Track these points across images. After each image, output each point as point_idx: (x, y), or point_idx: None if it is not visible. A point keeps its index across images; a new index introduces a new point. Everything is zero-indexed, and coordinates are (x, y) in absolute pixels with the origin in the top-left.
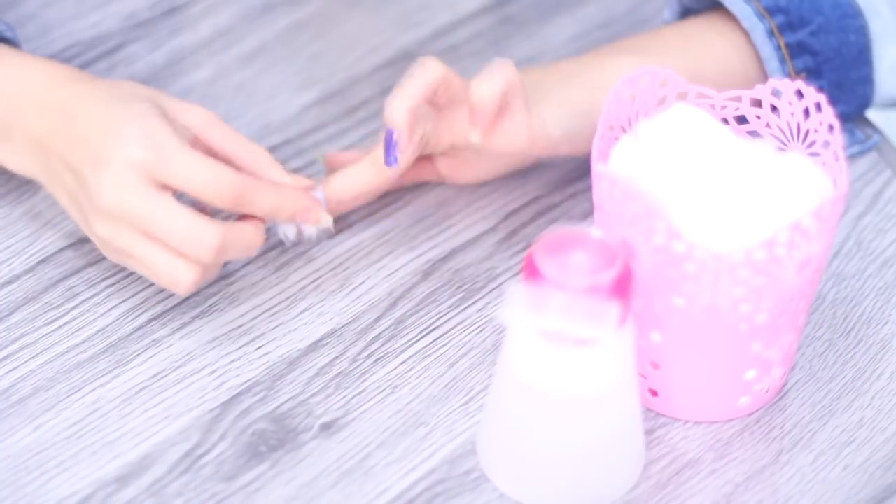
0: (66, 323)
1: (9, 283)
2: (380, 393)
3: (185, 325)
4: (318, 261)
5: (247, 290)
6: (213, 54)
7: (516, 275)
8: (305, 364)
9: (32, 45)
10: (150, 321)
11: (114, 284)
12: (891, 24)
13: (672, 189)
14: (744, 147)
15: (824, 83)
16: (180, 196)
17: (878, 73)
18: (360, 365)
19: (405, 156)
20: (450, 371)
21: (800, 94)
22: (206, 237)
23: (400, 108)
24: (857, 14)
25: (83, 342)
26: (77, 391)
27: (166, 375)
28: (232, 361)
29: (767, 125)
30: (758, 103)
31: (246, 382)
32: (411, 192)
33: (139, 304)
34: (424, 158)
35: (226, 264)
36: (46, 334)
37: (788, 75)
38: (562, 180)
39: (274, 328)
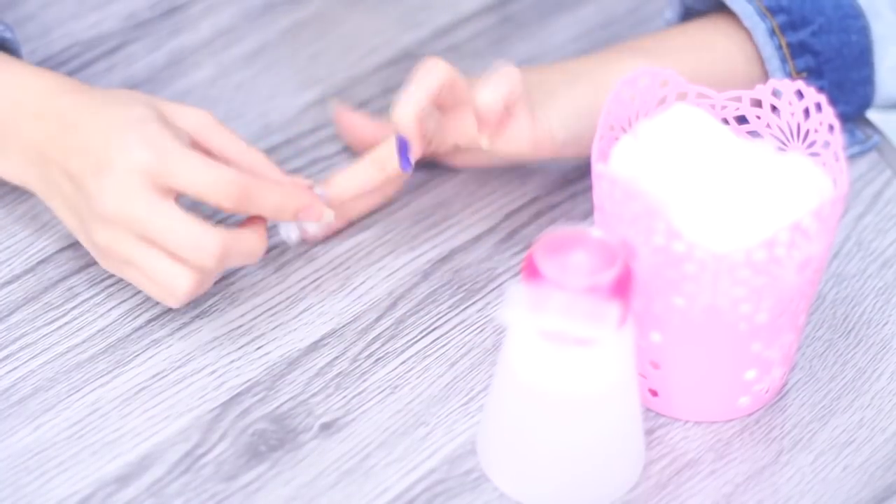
0: (66, 323)
1: (9, 283)
2: (380, 393)
3: (184, 325)
4: (318, 261)
5: (247, 290)
6: (213, 54)
7: (516, 275)
8: (305, 364)
9: (32, 45)
10: (149, 321)
11: (114, 284)
12: (892, 26)
13: (672, 189)
14: (744, 147)
15: (825, 83)
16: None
17: (879, 74)
18: (360, 365)
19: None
20: (450, 371)
21: (800, 94)
22: (208, 243)
23: (408, 114)
24: (858, 15)
25: (83, 342)
26: (77, 391)
27: (166, 375)
28: (232, 361)
29: (767, 125)
30: (758, 103)
31: (246, 382)
32: (411, 192)
33: (139, 304)
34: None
35: (220, 279)
36: (46, 334)
37: (789, 75)
38: (562, 180)
39: (274, 328)
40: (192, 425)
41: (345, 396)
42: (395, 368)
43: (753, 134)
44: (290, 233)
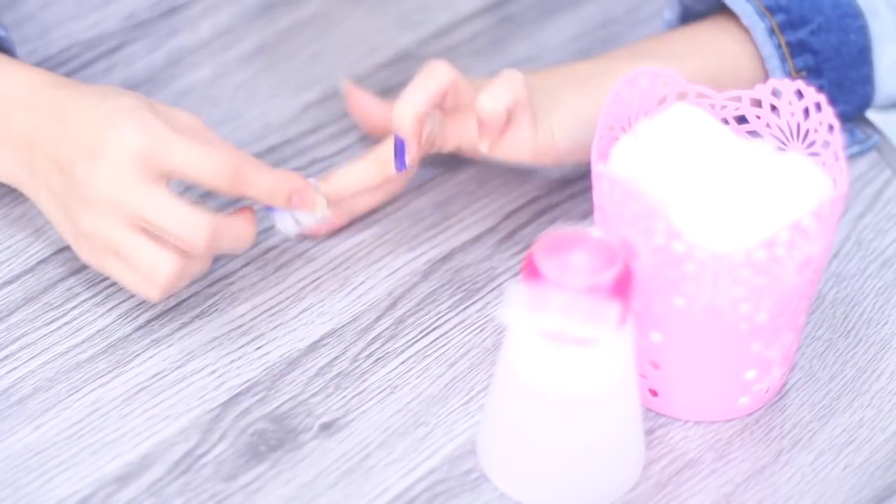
0: (66, 323)
1: (9, 283)
2: (380, 393)
3: (185, 325)
4: (318, 261)
5: (247, 290)
6: (213, 54)
7: (516, 275)
8: (305, 364)
9: (31, 45)
10: (150, 321)
11: (114, 284)
12: (890, 25)
13: (672, 189)
14: (744, 147)
15: (824, 82)
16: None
17: (878, 73)
18: (360, 365)
19: (413, 159)
20: (450, 371)
21: (799, 94)
22: (199, 223)
23: (407, 115)
24: (857, 14)
25: (83, 342)
26: (77, 391)
27: (166, 375)
28: (232, 361)
29: (767, 125)
30: (758, 103)
31: (246, 382)
32: (411, 192)
33: (139, 304)
34: None
35: (220, 278)
36: (46, 334)
37: (789, 74)
38: (561, 180)
39: (274, 328)
40: (192, 425)
41: (345, 396)
42: (395, 368)
43: (753, 134)
44: (286, 225)
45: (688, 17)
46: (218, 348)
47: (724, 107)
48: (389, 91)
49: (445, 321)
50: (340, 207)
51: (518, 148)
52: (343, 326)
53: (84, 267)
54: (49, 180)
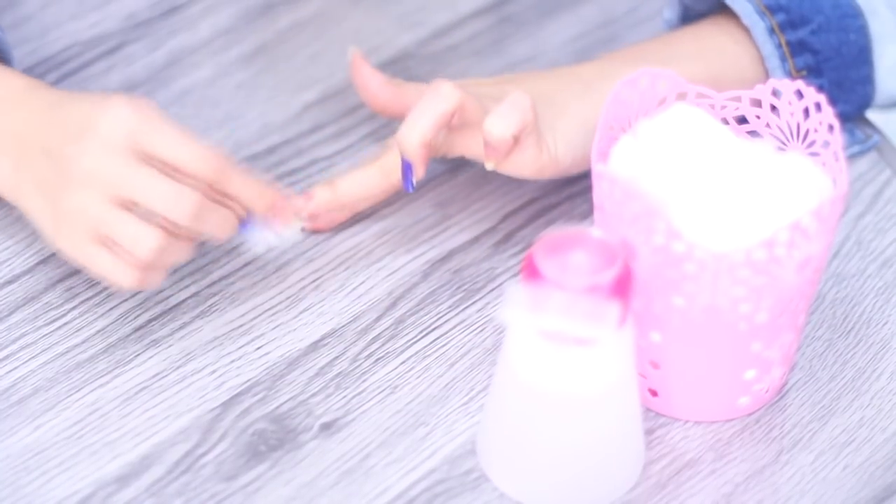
0: (65, 323)
1: (9, 283)
2: (380, 393)
3: (185, 325)
4: (317, 261)
5: (247, 290)
6: (213, 54)
7: (516, 275)
8: (305, 364)
9: (31, 45)
10: (150, 321)
11: None
12: (889, 25)
13: (672, 189)
14: (744, 147)
15: (825, 82)
16: None
17: (878, 73)
18: (360, 365)
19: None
20: (450, 371)
21: (799, 94)
22: (185, 196)
23: (414, 141)
24: (857, 14)
25: (83, 342)
26: (77, 391)
27: (166, 375)
28: (232, 361)
29: (767, 125)
30: (757, 103)
31: (246, 382)
32: (411, 193)
33: (139, 304)
34: None
35: (220, 278)
36: (46, 334)
37: (789, 73)
38: (561, 181)
39: (274, 328)
40: (192, 425)
41: (345, 396)
42: (395, 368)
43: (753, 134)
44: (261, 240)
45: (688, 16)
46: (218, 348)
47: (724, 107)
48: None
49: (445, 321)
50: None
51: (521, 166)
52: (343, 326)
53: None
54: (35, 168)
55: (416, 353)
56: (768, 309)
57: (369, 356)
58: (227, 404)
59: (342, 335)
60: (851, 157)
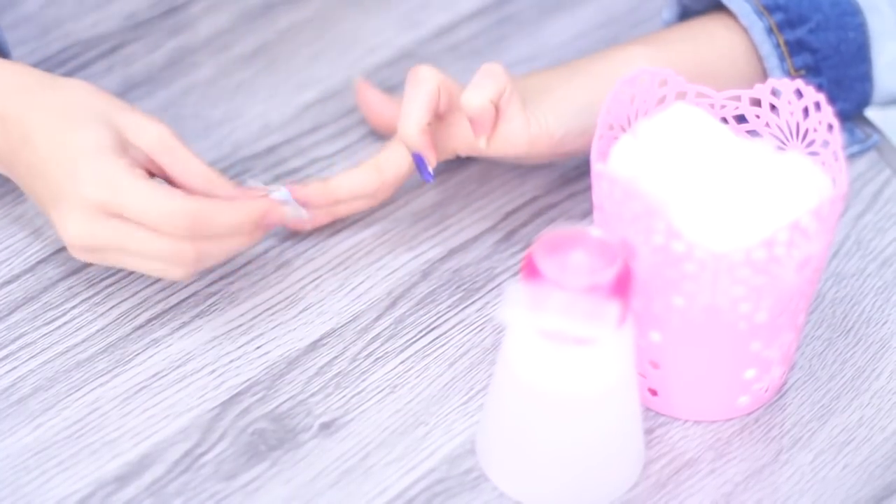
0: (65, 322)
1: (9, 282)
2: (379, 392)
3: (184, 324)
4: (317, 260)
5: (247, 289)
6: (213, 54)
7: (515, 274)
8: (305, 364)
9: (31, 45)
10: (149, 321)
11: (113, 284)
12: (889, 22)
13: (672, 189)
14: (743, 146)
15: (823, 80)
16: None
17: (877, 71)
18: (359, 364)
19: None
20: (449, 371)
21: (799, 93)
22: (184, 253)
23: (413, 131)
24: (855, 12)
25: (83, 342)
26: (77, 391)
27: (166, 375)
28: (231, 361)
29: (767, 124)
30: (757, 102)
31: (245, 382)
32: (411, 192)
33: (139, 304)
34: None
35: (219, 278)
36: (46, 334)
37: (788, 72)
38: (561, 180)
39: (274, 328)
40: (192, 425)
41: (344, 396)
42: (395, 368)
43: (753, 133)
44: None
45: (686, 17)
46: (218, 348)
47: (723, 106)
48: (390, 91)
49: (445, 321)
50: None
51: (513, 139)
52: (343, 326)
53: (84, 267)
54: (33, 189)
55: (416, 352)
56: (768, 308)
57: (369, 356)
58: (226, 404)
59: (342, 335)
60: (851, 157)
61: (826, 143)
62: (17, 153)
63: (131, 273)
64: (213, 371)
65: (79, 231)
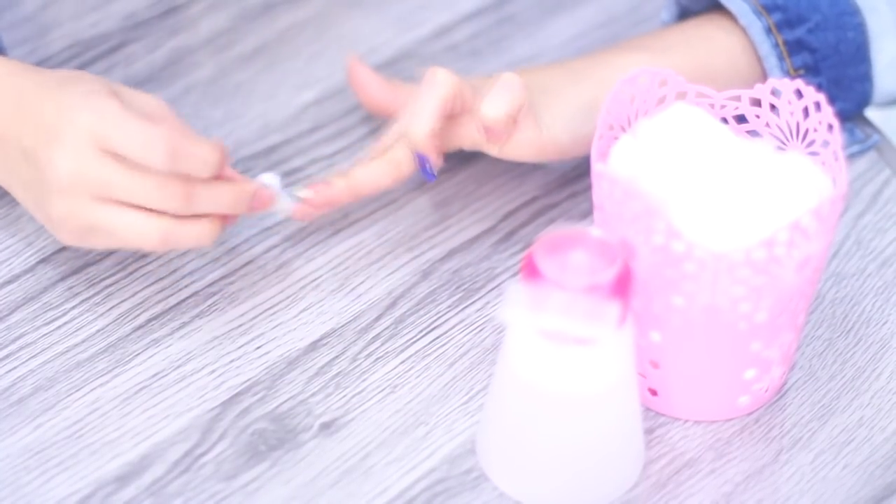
0: (65, 322)
1: (8, 282)
2: (379, 392)
3: (184, 324)
4: (317, 260)
5: (247, 289)
6: (213, 54)
7: (515, 274)
8: (305, 364)
9: (31, 45)
10: (149, 321)
11: (113, 284)
12: (888, 21)
13: (672, 188)
14: (743, 146)
15: (823, 80)
16: None
17: (876, 70)
18: (359, 364)
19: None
20: (449, 370)
21: (799, 93)
22: (171, 183)
23: (423, 134)
24: (854, 11)
25: (83, 342)
26: (77, 391)
27: (166, 375)
28: (231, 361)
29: (767, 124)
30: (757, 102)
31: (245, 382)
32: (411, 191)
33: (139, 304)
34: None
35: (220, 278)
36: (46, 334)
37: (787, 72)
38: (561, 180)
39: (274, 328)
40: (192, 425)
41: (344, 396)
42: (395, 368)
43: (753, 133)
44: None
45: (685, 18)
46: (218, 348)
47: (723, 106)
48: None
49: (445, 321)
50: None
51: (523, 147)
52: (343, 326)
53: (83, 266)
54: (20, 172)
55: (416, 352)
56: (768, 308)
57: (369, 356)
58: (226, 404)
59: (342, 335)
60: (851, 157)
61: (826, 143)
62: (11, 119)
63: (131, 273)
64: (213, 371)
65: (68, 167)
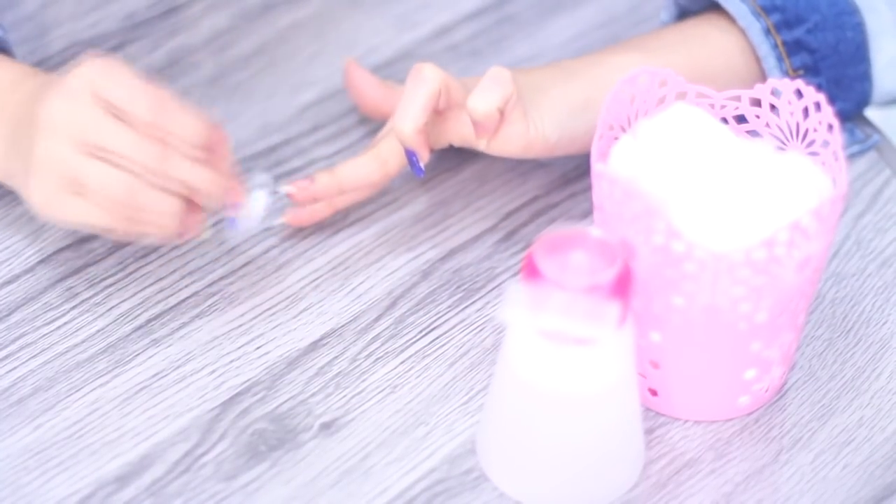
0: (65, 323)
1: (8, 283)
2: (380, 392)
3: (184, 324)
4: (317, 260)
5: (247, 289)
6: (213, 54)
7: (516, 274)
8: (305, 364)
9: (31, 45)
10: (149, 321)
11: (113, 284)
12: (887, 20)
13: (672, 189)
14: (743, 147)
15: (822, 80)
16: None
17: (875, 70)
18: (359, 365)
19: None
20: (449, 371)
21: (799, 93)
22: (149, 143)
23: (410, 130)
24: (853, 11)
25: (83, 342)
26: (77, 391)
27: (166, 375)
28: (231, 361)
29: (767, 125)
30: (757, 103)
31: (245, 382)
32: (411, 191)
33: (139, 304)
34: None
35: (220, 278)
36: (46, 334)
37: (786, 73)
38: (561, 180)
39: (274, 328)
40: (192, 425)
41: (344, 396)
42: (395, 368)
43: (753, 133)
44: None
45: (684, 18)
46: (218, 348)
47: (723, 106)
48: None
49: (445, 321)
50: (332, 202)
51: (512, 141)
52: (343, 326)
53: (83, 267)
54: (20, 147)
55: (416, 352)
56: (768, 308)
57: (369, 356)
58: (226, 404)
59: (342, 335)
60: (851, 157)
61: (826, 143)
62: (30, 102)
63: (131, 273)
64: (213, 371)
65: (61, 107)
